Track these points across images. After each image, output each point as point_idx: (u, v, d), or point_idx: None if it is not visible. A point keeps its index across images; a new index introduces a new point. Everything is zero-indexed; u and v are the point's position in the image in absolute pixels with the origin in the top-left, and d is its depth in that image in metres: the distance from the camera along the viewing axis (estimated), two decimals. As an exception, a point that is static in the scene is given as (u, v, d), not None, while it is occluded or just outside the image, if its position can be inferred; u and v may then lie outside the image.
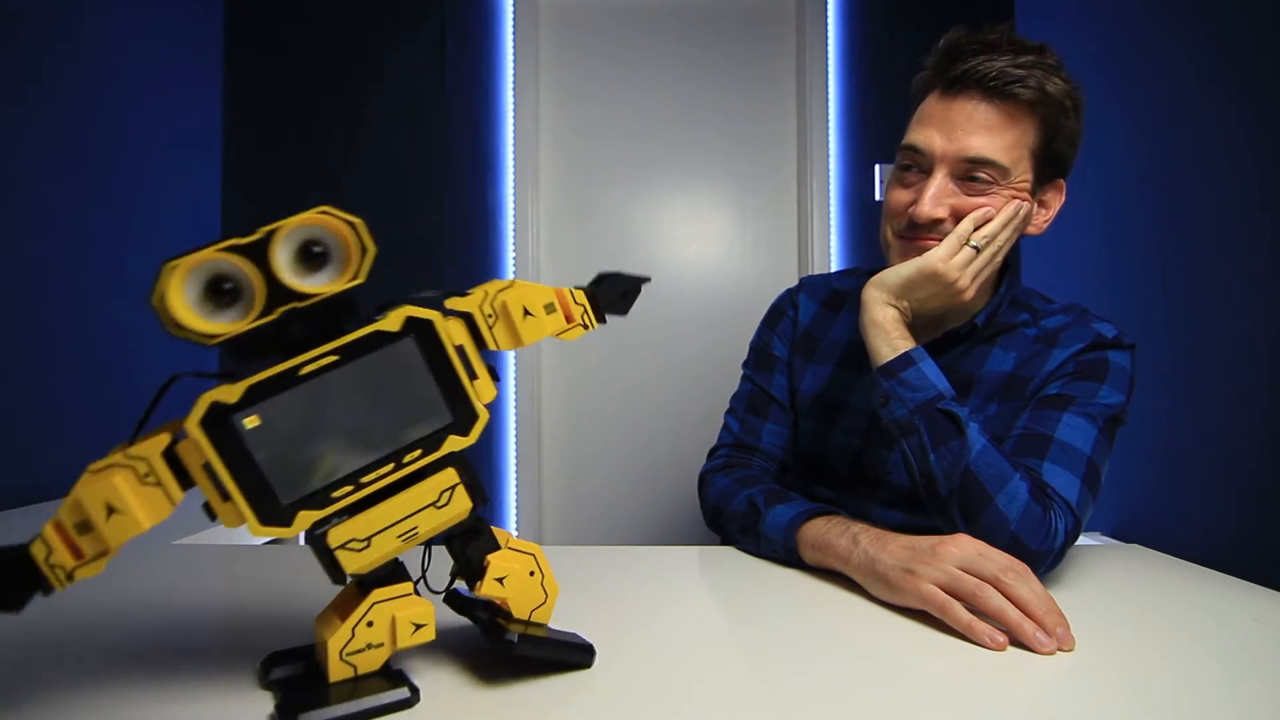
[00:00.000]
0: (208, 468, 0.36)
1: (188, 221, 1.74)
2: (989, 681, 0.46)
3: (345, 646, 0.40)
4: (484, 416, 0.42)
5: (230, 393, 0.36)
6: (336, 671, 0.40)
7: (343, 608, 0.42)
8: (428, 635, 0.42)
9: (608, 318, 0.49)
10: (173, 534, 0.93)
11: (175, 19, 1.68)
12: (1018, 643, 0.51)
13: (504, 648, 0.42)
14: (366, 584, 0.42)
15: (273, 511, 0.37)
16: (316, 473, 0.38)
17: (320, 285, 0.38)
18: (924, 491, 0.71)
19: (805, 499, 0.78)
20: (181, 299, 0.35)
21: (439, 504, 0.41)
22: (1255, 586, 0.68)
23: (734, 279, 1.97)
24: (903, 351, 0.73)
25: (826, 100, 1.93)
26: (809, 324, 0.96)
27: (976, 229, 0.74)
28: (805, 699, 0.43)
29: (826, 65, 1.93)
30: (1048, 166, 0.77)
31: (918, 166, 0.78)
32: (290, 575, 0.72)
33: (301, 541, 0.41)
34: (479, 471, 0.46)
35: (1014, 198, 0.75)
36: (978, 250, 0.74)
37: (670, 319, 1.96)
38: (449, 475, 0.42)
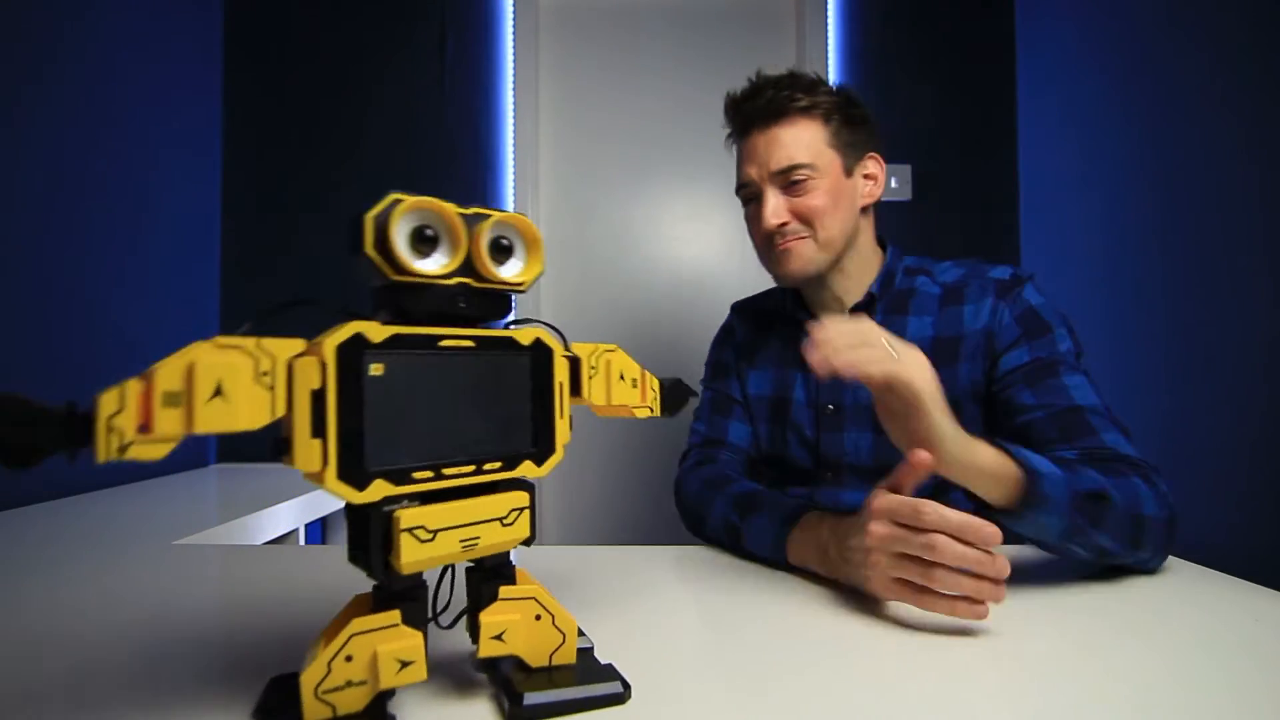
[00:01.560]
0: (318, 395, 0.33)
1: (188, 222, 1.74)
2: (987, 681, 0.46)
3: (321, 684, 0.36)
4: (559, 455, 0.43)
5: (377, 332, 0.36)
6: (312, 711, 0.36)
7: (333, 632, 0.38)
8: (416, 675, 0.37)
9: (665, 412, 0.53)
10: (173, 534, 0.93)
11: (175, 19, 1.68)
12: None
13: (513, 716, 0.39)
14: (383, 596, 0.38)
15: (354, 469, 0.35)
16: (408, 446, 0.37)
17: (504, 274, 0.42)
18: (1100, 562, 0.68)
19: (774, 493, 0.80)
20: (400, 233, 0.38)
21: (505, 521, 0.41)
22: (1255, 586, 0.68)
23: (734, 279, 1.97)
24: (1022, 473, 0.59)
25: (826, 100, 1.92)
26: (743, 340, 1.05)
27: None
28: (804, 698, 0.43)
29: (826, 65, 1.93)
30: (852, 149, 0.89)
31: (754, 198, 0.90)
32: (291, 576, 0.72)
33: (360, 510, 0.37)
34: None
35: (832, 185, 0.87)
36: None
37: (670, 319, 1.96)
38: (521, 497, 0.41)
